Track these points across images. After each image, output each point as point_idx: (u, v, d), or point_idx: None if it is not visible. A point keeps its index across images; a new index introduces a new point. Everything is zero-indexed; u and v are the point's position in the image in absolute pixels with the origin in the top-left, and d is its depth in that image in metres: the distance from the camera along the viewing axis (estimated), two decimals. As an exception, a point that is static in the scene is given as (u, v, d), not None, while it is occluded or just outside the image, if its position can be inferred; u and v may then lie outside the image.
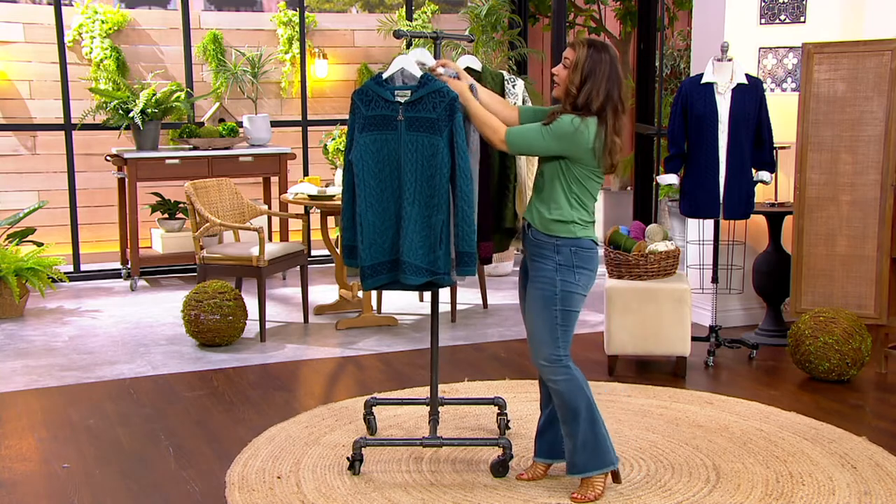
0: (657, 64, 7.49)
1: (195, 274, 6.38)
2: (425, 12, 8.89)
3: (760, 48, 5.75)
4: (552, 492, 3.46)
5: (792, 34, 5.70)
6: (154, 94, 7.16)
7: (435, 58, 3.68)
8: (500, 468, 3.59)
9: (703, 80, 5.02)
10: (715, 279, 5.35)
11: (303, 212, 6.88)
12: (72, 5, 7.91)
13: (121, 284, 7.31)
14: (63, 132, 7.41)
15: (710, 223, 5.52)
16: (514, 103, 3.78)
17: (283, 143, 8.08)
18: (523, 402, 4.44)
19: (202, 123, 7.56)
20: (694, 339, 5.08)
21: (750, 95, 5.00)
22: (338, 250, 6.04)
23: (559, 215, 3.30)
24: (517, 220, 3.90)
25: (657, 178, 5.26)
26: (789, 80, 5.74)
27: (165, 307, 6.50)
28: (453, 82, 3.40)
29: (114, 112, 7.14)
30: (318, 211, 6.19)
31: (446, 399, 4.14)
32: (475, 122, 3.37)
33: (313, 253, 7.85)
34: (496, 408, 4.17)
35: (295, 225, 7.80)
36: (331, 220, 6.35)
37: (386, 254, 3.47)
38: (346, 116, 3.63)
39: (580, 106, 3.25)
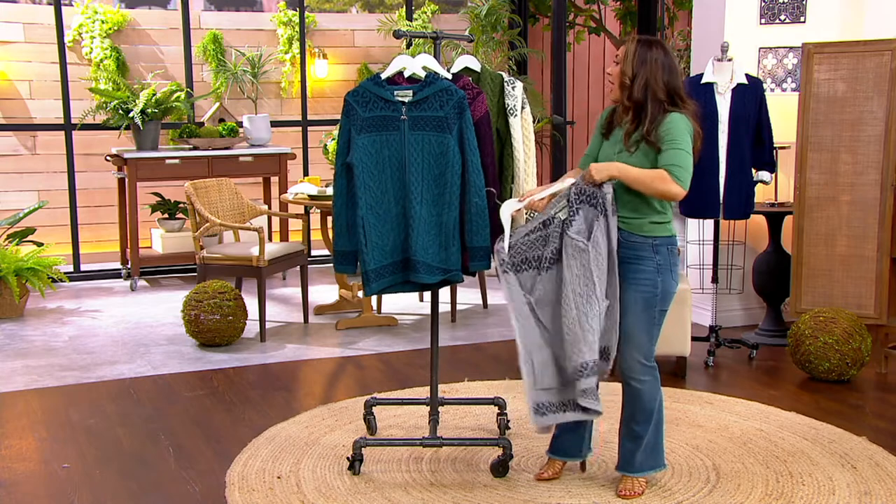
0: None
1: (195, 274, 6.38)
2: (425, 12, 8.89)
3: (760, 48, 5.75)
4: (552, 492, 3.46)
5: (792, 34, 5.70)
6: (154, 94, 7.16)
7: (435, 58, 3.67)
8: (500, 468, 3.59)
9: (703, 80, 5.02)
10: (715, 279, 5.35)
11: (303, 212, 6.88)
12: (72, 5, 7.91)
13: (121, 284, 7.31)
14: (63, 132, 7.41)
15: (710, 223, 5.52)
16: (514, 105, 3.77)
17: (283, 143, 8.08)
18: (523, 402, 4.42)
19: (202, 123, 7.57)
20: (694, 339, 5.07)
21: (750, 95, 5.00)
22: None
23: (657, 217, 3.30)
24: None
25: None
26: (789, 80, 5.74)
27: (165, 307, 6.50)
28: (595, 166, 3.24)
29: (114, 112, 7.14)
30: (318, 211, 6.19)
31: (446, 399, 4.14)
32: (638, 185, 3.21)
33: (313, 253, 7.85)
34: (496, 408, 4.17)
35: (295, 225, 7.80)
36: (331, 220, 6.34)
37: (388, 256, 3.46)
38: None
39: (636, 97, 3.24)
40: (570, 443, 3.56)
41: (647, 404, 3.37)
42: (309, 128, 8.21)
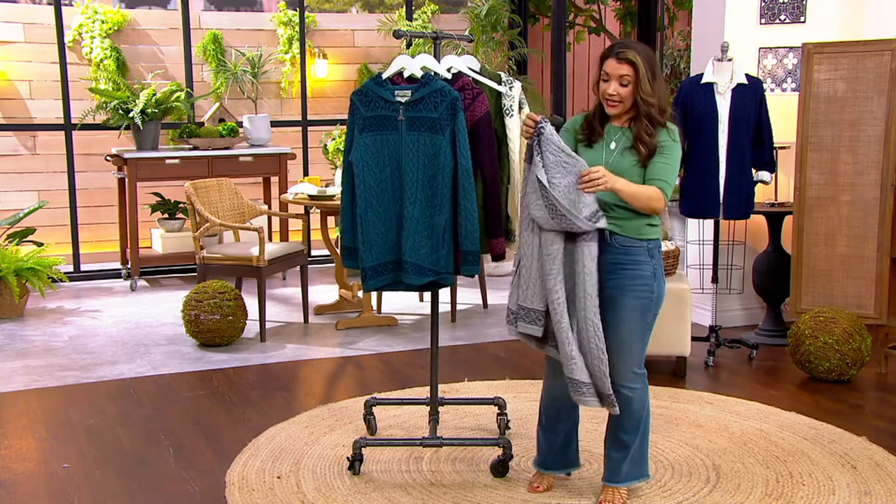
0: (657, 64, 7.49)
1: (195, 274, 6.38)
2: (425, 12, 8.89)
3: (760, 48, 5.75)
4: (552, 492, 3.46)
5: (792, 34, 5.70)
6: (154, 94, 7.16)
7: (435, 58, 3.67)
8: (500, 468, 3.59)
9: (703, 80, 5.02)
10: (715, 279, 5.35)
11: (303, 212, 6.88)
12: (72, 5, 7.91)
13: (121, 284, 7.31)
14: (63, 132, 7.41)
15: (710, 223, 5.52)
16: (510, 106, 3.75)
17: (283, 143, 8.08)
18: (523, 402, 4.44)
19: (202, 123, 7.57)
20: (694, 339, 5.07)
21: (750, 95, 5.00)
22: (338, 251, 6.03)
23: (651, 219, 3.21)
24: (510, 222, 3.86)
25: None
26: (789, 80, 5.74)
27: (165, 307, 6.50)
28: (606, 173, 3.04)
29: (114, 112, 7.14)
30: (318, 211, 6.19)
31: (446, 399, 4.14)
32: (635, 201, 3.10)
33: (313, 253, 7.85)
34: (496, 408, 4.17)
35: (295, 225, 7.80)
36: (331, 220, 6.35)
37: (387, 254, 3.47)
38: (346, 116, 3.63)
39: (663, 112, 3.12)
40: (558, 458, 3.47)
41: (636, 413, 3.29)
42: (309, 128, 8.21)
